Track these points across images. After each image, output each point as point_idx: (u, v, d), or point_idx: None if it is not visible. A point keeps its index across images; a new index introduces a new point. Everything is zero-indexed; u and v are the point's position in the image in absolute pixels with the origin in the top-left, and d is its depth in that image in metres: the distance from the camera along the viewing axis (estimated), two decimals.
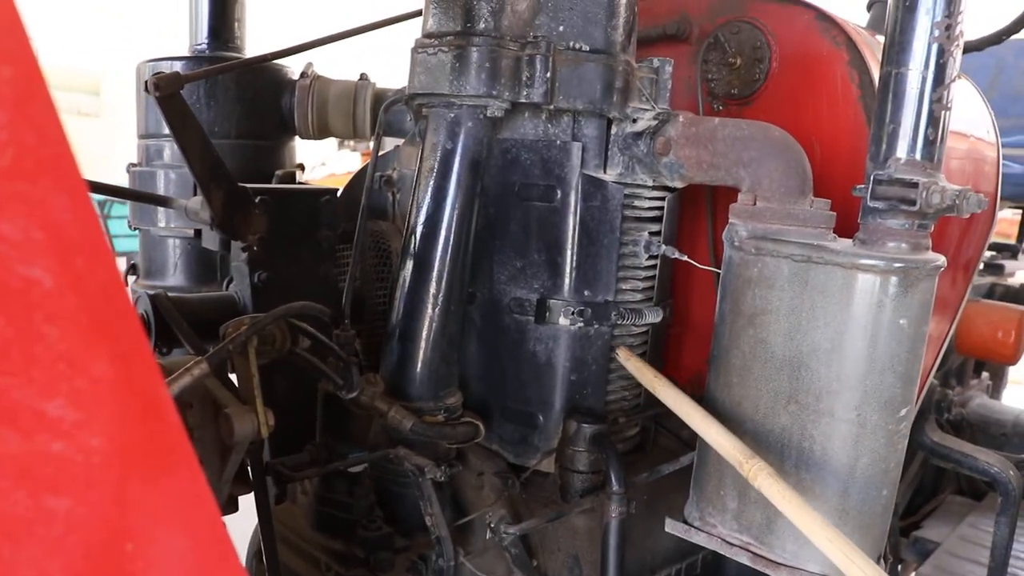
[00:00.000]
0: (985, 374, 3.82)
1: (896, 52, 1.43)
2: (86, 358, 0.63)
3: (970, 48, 2.74)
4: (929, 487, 3.33)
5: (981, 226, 2.41)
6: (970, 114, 2.38)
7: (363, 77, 2.32)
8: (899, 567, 2.94)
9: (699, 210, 2.03)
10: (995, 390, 3.91)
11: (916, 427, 2.41)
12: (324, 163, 12.53)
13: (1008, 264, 3.67)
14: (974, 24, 2.82)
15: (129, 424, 0.66)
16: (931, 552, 2.83)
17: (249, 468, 1.61)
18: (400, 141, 2.12)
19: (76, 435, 0.62)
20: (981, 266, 3.63)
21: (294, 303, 1.58)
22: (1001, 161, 2.45)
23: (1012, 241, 3.95)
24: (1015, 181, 3.29)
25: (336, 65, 2.34)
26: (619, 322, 1.76)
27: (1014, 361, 3.30)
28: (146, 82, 1.68)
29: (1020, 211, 3.91)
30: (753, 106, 1.97)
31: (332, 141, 12.30)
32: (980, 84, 3.92)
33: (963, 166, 2.26)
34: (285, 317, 1.56)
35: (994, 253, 3.83)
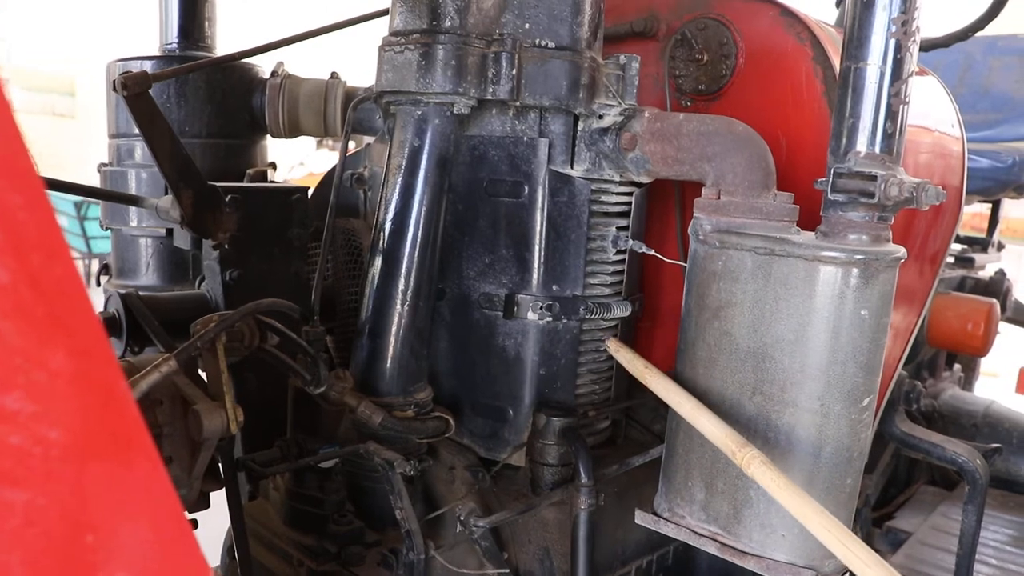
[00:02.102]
0: (957, 366, 3.87)
1: (855, 48, 1.45)
2: (43, 352, 0.64)
3: (937, 45, 2.78)
4: (902, 478, 3.37)
5: (947, 219, 2.44)
6: (936, 110, 2.41)
7: (334, 76, 2.32)
8: None
9: (668, 205, 2.05)
10: (967, 382, 3.96)
11: (886, 418, 2.44)
12: (303, 163, 12.51)
13: (978, 257, 3.72)
14: (941, 21, 2.86)
15: (88, 417, 0.67)
16: (903, 542, 2.87)
17: (220, 464, 1.62)
18: (372, 139, 2.13)
19: (34, 427, 0.63)
20: (951, 259, 3.68)
21: (263, 300, 1.59)
22: (966, 155, 2.49)
23: (983, 235, 3.99)
24: (983, 176, 3.33)
25: (307, 64, 2.34)
26: (587, 316, 1.78)
27: (983, 353, 3.35)
28: (114, 81, 1.68)
29: (989, 205, 3.95)
30: (720, 102, 1.99)
31: (311, 141, 12.29)
32: (949, 80, 3.96)
33: (930, 160, 2.29)
34: (254, 314, 1.57)
35: (965, 247, 3.88)
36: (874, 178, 1.41)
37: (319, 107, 2.28)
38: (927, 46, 2.67)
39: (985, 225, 4.03)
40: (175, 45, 2.33)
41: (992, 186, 3.38)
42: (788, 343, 1.48)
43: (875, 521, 3.03)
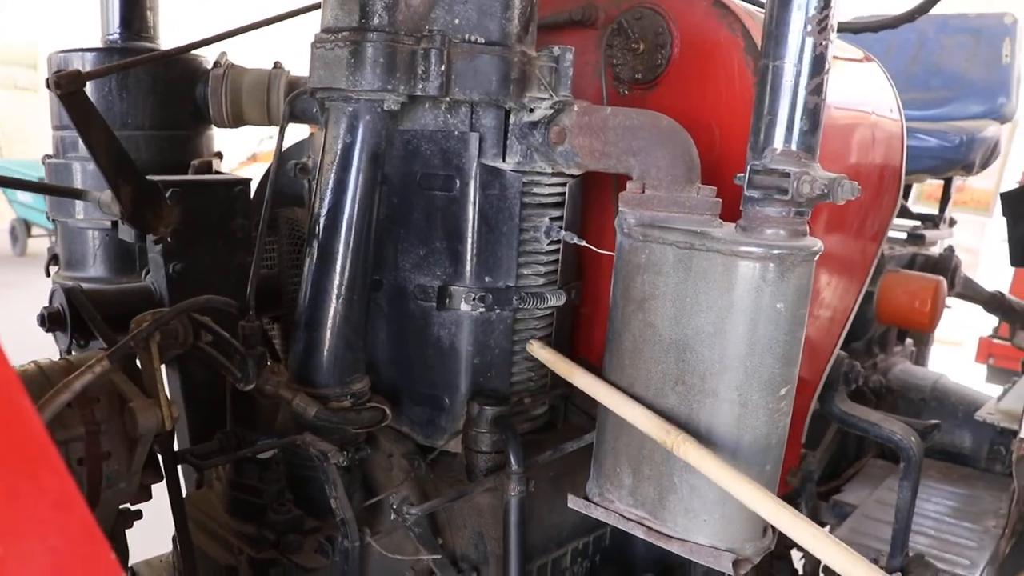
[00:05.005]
0: (909, 341, 3.95)
1: (772, 45, 1.48)
2: None
3: (884, 26, 2.81)
4: (852, 452, 3.45)
5: (887, 200, 2.50)
6: (876, 96, 2.46)
7: (277, 65, 2.33)
8: None
9: (606, 195, 2.08)
10: (919, 356, 4.04)
11: (826, 398, 2.50)
12: (267, 139, 12.36)
13: (929, 234, 3.78)
14: (889, 2, 2.88)
15: None
16: (849, 515, 2.94)
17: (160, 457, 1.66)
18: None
19: None
20: (904, 235, 3.74)
21: (197, 297, 1.62)
22: (905, 136, 2.54)
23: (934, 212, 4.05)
24: (932, 155, 3.39)
25: (251, 54, 2.35)
26: (521, 306, 1.81)
27: (931, 329, 3.42)
28: (47, 79, 1.69)
29: (942, 183, 4.01)
30: (656, 91, 2.02)
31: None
32: (902, 58, 4.01)
33: (869, 145, 2.34)
34: (188, 311, 1.59)
35: (917, 223, 3.94)
36: (787, 175, 1.44)
37: (262, 97, 2.29)
38: (876, 26, 2.71)
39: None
40: (117, 36, 2.33)
41: (940, 165, 3.44)
42: (708, 335, 1.52)
43: (823, 495, 3.10)
